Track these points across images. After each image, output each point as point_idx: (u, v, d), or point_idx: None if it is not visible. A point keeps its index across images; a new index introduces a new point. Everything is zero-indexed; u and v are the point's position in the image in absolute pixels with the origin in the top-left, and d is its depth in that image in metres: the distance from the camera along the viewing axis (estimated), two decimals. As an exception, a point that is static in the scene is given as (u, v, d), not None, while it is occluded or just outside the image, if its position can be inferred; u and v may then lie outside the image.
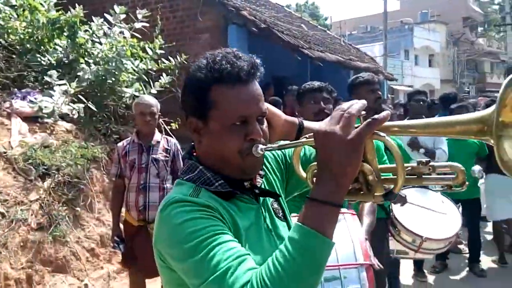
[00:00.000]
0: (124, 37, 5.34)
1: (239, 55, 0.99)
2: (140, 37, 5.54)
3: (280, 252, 0.80)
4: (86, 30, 5.35)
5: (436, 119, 0.83)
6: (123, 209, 3.27)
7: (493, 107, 0.69)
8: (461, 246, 4.98)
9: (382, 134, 0.83)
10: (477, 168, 4.22)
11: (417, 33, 30.36)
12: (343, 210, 1.97)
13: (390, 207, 2.79)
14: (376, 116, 0.80)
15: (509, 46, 22.16)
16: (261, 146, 0.97)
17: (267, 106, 1.06)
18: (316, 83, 2.41)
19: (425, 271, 4.38)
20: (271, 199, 1.10)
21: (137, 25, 5.43)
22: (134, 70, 5.31)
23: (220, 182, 0.99)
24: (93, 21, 5.39)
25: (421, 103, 4.18)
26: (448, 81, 33.07)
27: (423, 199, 2.96)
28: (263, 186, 1.10)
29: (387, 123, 0.83)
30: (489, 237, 5.35)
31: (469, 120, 0.75)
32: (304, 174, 1.04)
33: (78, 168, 4.15)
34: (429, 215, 2.85)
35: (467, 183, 0.81)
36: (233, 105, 0.96)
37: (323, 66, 9.21)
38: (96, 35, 5.38)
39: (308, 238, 0.79)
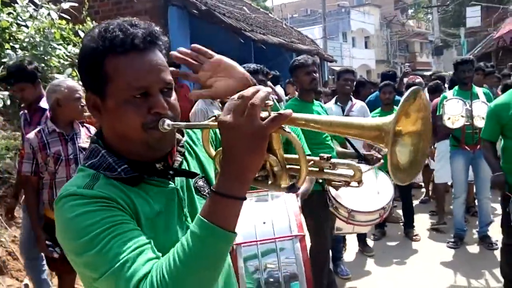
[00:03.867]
0: (52, 20, 4.94)
1: (135, 22, 0.92)
2: (69, 18, 5.16)
3: (181, 245, 0.78)
4: (9, 13, 4.89)
5: (340, 119, 0.85)
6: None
7: (392, 116, 0.74)
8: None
9: (287, 129, 0.82)
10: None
11: (353, 16, 31.34)
12: None
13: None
14: (281, 112, 0.79)
15: (436, 27, 23.49)
16: (168, 121, 0.90)
17: (221, 57, 1.03)
18: (252, 66, 2.51)
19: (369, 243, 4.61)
20: (196, 177, 1.03)
21: (65, 5, 5.03)
22: (67, 55, 4.95)
23: (123, 167, 0.92)
24: (17, 3, 4.94)
25: (349, 82, 4.30)
26: (383, 61, 34.63)
27: None
28: (185, 166, 1.03)
29: (294, 115, 0.82)
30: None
31: (369, 127, 0.79)
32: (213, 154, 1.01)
33: (8, 162, 3.81)
34: (361, 189, 2.97)
35: (363, 182, 0.84)
36: (129, 75, 0.88)
37: (266, 49, 9.23)
38: (21, 17, 4.94)
39: (210, 233, 0.77)
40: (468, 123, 4.18)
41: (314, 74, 3.15)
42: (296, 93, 3.51)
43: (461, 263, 4.09)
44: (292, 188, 0.87)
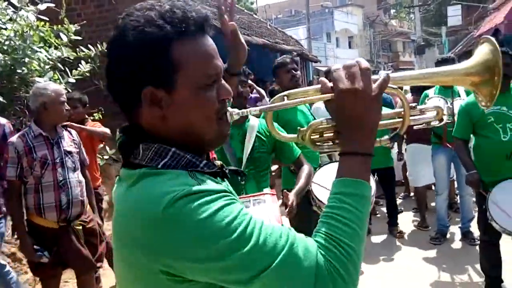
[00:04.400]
0: (30, 22, 4.85)
1: (188, 1, 0.85)
2: (47, 19, 5.07)
3: (339, 209, 0.80)
4: (-12, 16, 4.79)
5: (430, 70, 0.99)
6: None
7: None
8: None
9: (394, 86, 0.92)
10: (384, 137, 4.53)
11: (337, 16, 31.58)
12: (265, 191, 2.04)
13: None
14: (384, 75, 0.89)
15: (418, 27, 23.83)
16: (236, 110, 0.90)
17: (237, 32, 1.31)
18: None
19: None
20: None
21: (42, 6, 4.94)
22: (48, 58, 4.88)
23: (204, 162, 0.84)
24: (-5, 5, 4.84)
25: None
26: (367, 61, 34.85)
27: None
28: None
29: (392, 75, 0.92)
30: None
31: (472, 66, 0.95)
32: (287, 136, 1.06)
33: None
34: None
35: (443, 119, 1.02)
36: (202, 61, 0.83)
37: (250, 50, 9.21)
38: (1, 21, 4.85)
39: (363, 188, 0.83)
40: (449, 121, 4.25)
41: (294, 72, 3.24)
42: None
43: (445, 259, 4.16)
44: (395, 137, 1.11)
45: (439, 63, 4.56)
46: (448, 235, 4.64)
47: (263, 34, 11.78)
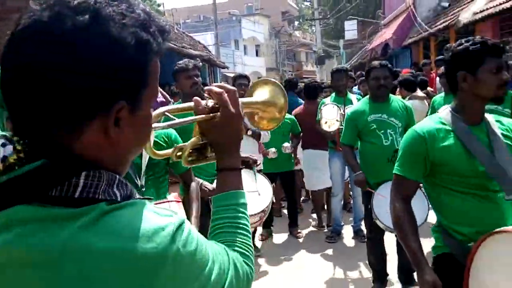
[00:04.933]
0: None
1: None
2: None
3: (240, 218, 0.91)
4: None
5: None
6: None
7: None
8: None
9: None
10: (286, 144, 4.81)
11: (244, 24, 32.27)
12: (169, 197, 2.00)
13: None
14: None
15: (318, 39, 25.38)
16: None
17: None
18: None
19: (257, 243, 4.78)
20: None
21: None
22: None
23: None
24: None
25: (243, 87, 4.47)
26: (273, 69, 36.28)
27: None
28: None
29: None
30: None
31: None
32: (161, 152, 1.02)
33: None
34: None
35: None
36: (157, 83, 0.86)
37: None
38: None
39: (245, 197, 0.95)
40: (342, 127, 4.57)
41: (196, 78, 3.18)
42: None
43: (339, 256, 4.43)
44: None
45: (333, 73, 4.91)
46: (343, 234, 4.98)
47: (170, 38, 11.56)
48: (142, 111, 0.70)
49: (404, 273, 3.48)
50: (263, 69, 34.52)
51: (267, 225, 4.95)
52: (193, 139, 0.98)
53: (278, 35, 38.51)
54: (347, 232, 5.04)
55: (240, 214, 0.91)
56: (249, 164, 3.18)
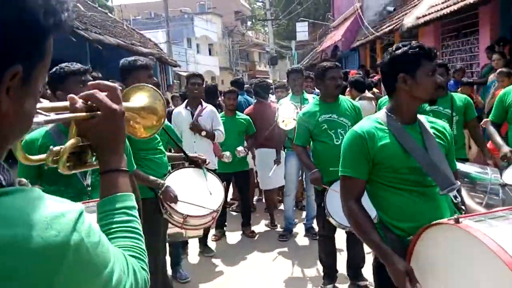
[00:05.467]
0: None
1: None
2: None
3: (131, 222, 0.86)
4: None
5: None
6: None
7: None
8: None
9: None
10: (239, 148, 4.83)
11: (197, 23, 31.92)
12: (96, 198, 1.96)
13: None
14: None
15: (271, 39, 25.65)
16: None
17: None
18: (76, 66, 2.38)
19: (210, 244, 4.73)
20: None
21: None
22: None
23: None
24: None
25: (196, 86, 4.42)
26: (226, 68, 36.21)
27: (189, 180, 3.06)
28: None
29: None
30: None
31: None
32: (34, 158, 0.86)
33: None
34: (194, 194, 2.98)
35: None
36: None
37: (103, 50, 8.69)
38: None
39: (133, 199, 0.90)
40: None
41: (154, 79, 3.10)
42: None
43: (292, 254, 4.48)
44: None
45: (289, 73, 4.98)
46: (295, 232, 5.04)
47: (118, 34, 11.22)
48: (32, 87, 0.64)
49: (352, 269, 3.58)
50: (216, 68, 34.36)
51: (220, 225, 4.93)
52: (71, 141, 0.86)
53: (231, 34, 38.49)
54: (300, 230, 5.12)
55: (131, 218, 0.87)
56: (198, 163, 3.14)
